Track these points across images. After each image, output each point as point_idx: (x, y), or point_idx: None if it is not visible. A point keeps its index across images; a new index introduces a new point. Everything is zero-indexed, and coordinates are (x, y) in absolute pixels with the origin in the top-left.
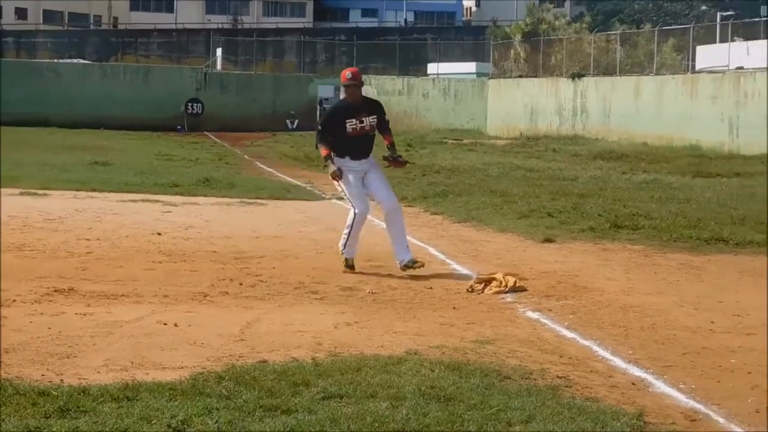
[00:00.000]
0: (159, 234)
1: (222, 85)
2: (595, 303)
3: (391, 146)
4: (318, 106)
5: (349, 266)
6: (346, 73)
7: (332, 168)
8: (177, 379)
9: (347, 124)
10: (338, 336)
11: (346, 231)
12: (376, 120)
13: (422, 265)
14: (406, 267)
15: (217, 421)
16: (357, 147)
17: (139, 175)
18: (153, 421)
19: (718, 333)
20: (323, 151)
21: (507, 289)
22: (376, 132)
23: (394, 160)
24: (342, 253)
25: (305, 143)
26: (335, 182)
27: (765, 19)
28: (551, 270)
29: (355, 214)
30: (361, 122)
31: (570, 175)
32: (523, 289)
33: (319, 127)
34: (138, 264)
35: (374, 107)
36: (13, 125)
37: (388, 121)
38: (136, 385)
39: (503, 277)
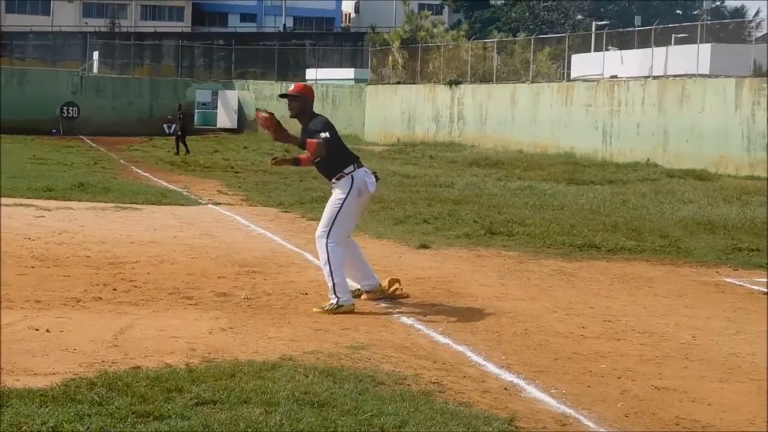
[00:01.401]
0: (29, 239)
1: (98, 88)
2: (469, 309)
3: (293, 159)
4: (196, 111)
5: (359, 296)
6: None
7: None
8: (48, 385)
9: None
10: (212, 342)
11: (330, 265)
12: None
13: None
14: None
15: (88, 428)
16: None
17: (12, 179)
18: (23, 428)
19: (589, 338)
20: (305, 162)
21: (383, 295)
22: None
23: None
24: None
25: (181, 148)
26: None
27: (639, 28)
28: (426, 276)
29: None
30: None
31: (446, 181)
32: (404, 296)
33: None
34: (10, 269)
35: (308, 128)
36: None
37: (322, 136)
38: (6, 392)
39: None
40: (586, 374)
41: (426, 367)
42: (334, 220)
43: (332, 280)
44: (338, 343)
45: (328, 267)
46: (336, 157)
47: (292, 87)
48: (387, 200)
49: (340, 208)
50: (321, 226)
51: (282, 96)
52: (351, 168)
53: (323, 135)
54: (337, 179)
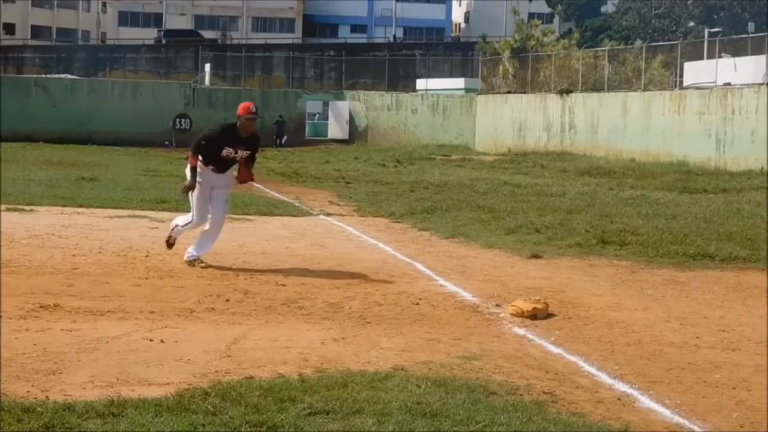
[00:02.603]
0: (147, 255)
1: (210, 100)
2: (581, 319)
3: (249, 165)
4: (307, 121)
5: (171, 245)
6: (250, 106)
7: (190, 183)
8: (163, 395)
9: (223, 150)
10: (325, 352)
11: (180, 224)
12: (248, 153)
13: (203, 265)
14: (189, 262)
15: None
16: (223, 165)
17: (127, 191)
18: None
19: (703, 348)
20: (191, 161)
21: (527, 315)
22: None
23: (246, 170)
24: (172, 232)
25: (294, 159)
26: (184, 192)
27: (752, 35)
28: (538, 286)
29: (190, 221)
30: (236, 153)
31: (557, 191)
32: (548, 315)
33: (202, 141)
34: (124, 280)
35: (254, 143)
36: None
37: (255, 159)
38: (122, 402)
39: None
40: (700, 384)
41: (538, 378)
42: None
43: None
44: (450, 353)
45: (212, 242)
46: None
47: (253, 109)
48: (498, 210)
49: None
50: (224, 215)
51: (251, 117)
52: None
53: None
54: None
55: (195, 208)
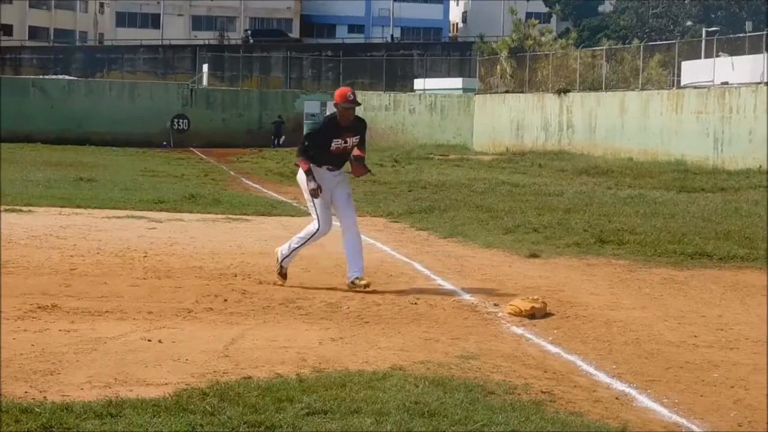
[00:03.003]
0: (145, 256)
1: (208, 101)
2: (579, 318)
3: (360, 158)
4: (305, 121)
5: (283, 275)
6: (347, 93)
7: (312, 185)
8: (161, 395)
9: (333, 143)
10: (323, 352)
11: (297, 241)
12: (358, 139)
13: (367, 285)
14: (351, 284)
15: None
16: (336, 161)
17: (124, 191)
18: None
19: (702, 347)
20: (304, 165)
21: (524, 314)
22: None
23: (359, 164)
24: (279, 261)
25: (292, 159)
26: (308, 197)
27: (749, 34)
28: (536, 285)
29: (317, 230)
30: (345, 142)
31: (555, 190)
32: (546, 315)
33: (306, 142)
34: (122, 280)
35: (361, 127)
36: None
37: (365, 141)
38: (120, 402)
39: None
40: (698, 383)
41: (536, 377)
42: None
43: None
44: (448, 352)
45: (361, 250)
46: None
47: (351, 97)
48: (496, 209)
49: None
50: (354, 215)
51: (350, 105)
52: None
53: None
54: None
55: (320, 215)
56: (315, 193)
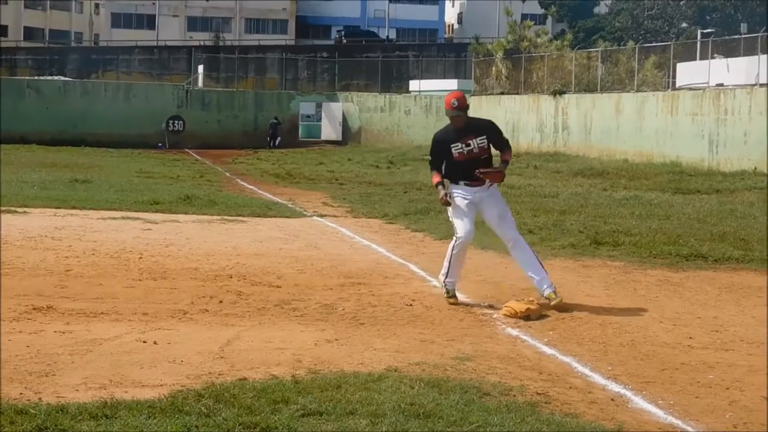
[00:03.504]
0: (140, 257)
1: (203, 102)
2: (575, 319)
3: (504, 163)
4: (300, 123)
5: (452, 297)
6: (452, 100)
7: (441, 193)
8: (156, 396)
9: (453, 150)
10: (318, 353)
11: (446, 258)
12: (485, 141)
13: (560, 301)
14: (549, 298)
15: None
16: (468, 172)
17: (120, 192)
18: None
19: (697, 349)
20: (433, 179)
21: (520, 315)
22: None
23: (488, 172)
24: (443, 284)
25: (287, 160)
26: (444, 206)
27: (744, 36)
28: (531, 287)
29: (456, 239)
30: (468, 145)
31: (551, 191)
32: (541, 316)
33: (430, 156)
34: (118, 282)
35: (481, 128)
36: None
37: (506, 139)
38: (115, 403)
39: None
40: (693, 385)
41: (532, 378)
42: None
43: (544, 268)
44: (444, 354)
45: (536, 260)
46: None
47: (455, 103)
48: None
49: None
50: (513, 228)
51: (452, 116)
52: None
53: (506, 138)
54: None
55: (455, 223)
56: (444, 202)
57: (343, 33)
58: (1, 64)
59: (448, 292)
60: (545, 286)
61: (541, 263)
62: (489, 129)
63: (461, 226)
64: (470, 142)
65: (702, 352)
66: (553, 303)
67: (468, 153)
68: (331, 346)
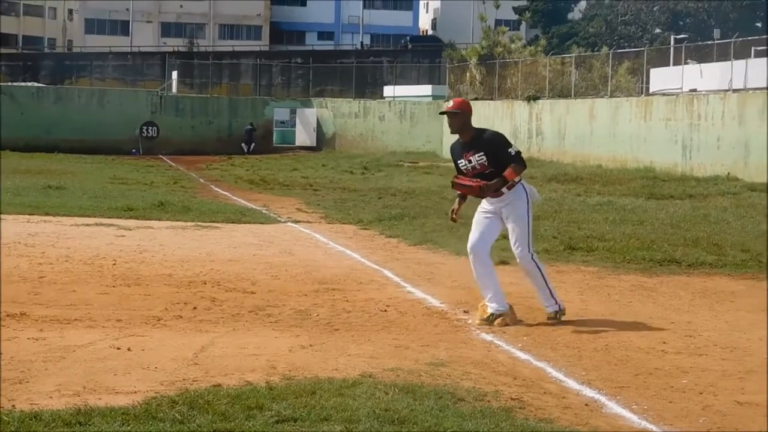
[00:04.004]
0: (114, 263)
1: (177, 108)
2: (549, 324)
3: (500, 179)
4: (274, 129)
5: (495, 320)
6: (448, 103)
7: (452, 207)
8: (130, 403)
9: (460, 166)
10: (293, 359)
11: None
12: (484, 158)
13: (563, 317)
14: (549, 317)
15: None
16: (480, 187)
17: (93, 199)
18: None
19: (670, 354)
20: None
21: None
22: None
23: (461, 185)
24: (491, 308)
25: (261, 166)
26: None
27: (718, 42)
28: (506, 292)
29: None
30: (469, 161)
31: None
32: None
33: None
34: (91, 288)
35: (482, 143)
36: None
37: (511, 154)
38: (89, 410)
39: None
40: (667, 390)
41: (506, 384)
42: (529, 231)
43: (548, 288)
44: (418, 359)
45: (542, 279)
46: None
47: (450, 104)
48: (466, 216)
49: (529, 218)
50: (520, 245)
51: (442, 113)
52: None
53: (514, 151)
54: (509, 188)
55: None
56: (450, 218)
57: (409, 39)
58: None
59: (491, 316)
60: (549, 307)
61: (550, 288)
62: (489, 144)
63: (468, 239)
64: (471, 158)
65: (676, 357)
66: (558, 317)
67: (472, 169)
68: (305, 352)
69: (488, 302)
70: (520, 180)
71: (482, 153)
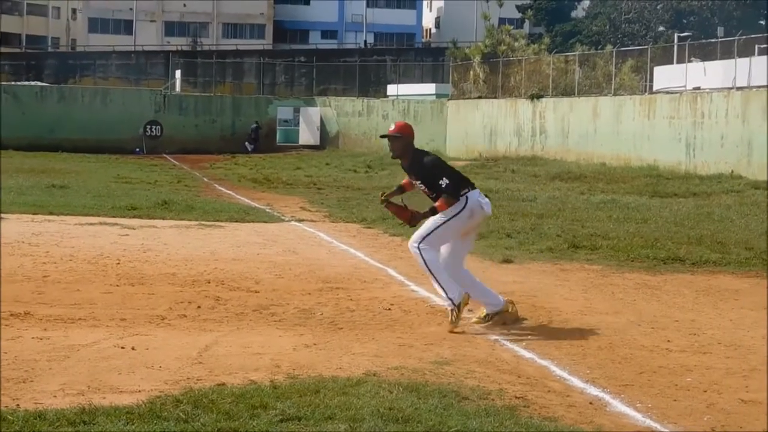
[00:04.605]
0: (118, 262)
1: (181, 107)
2: (553, 323)
3: (430, 211)
4: (278, 127)
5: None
6: (391, 125)
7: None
8: (134, 402)
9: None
10: (297, 358)
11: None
12: (423, 185)
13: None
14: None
15: None
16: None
17: (97, 198)
18: None
19: (675, 352)
20: None
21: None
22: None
23: (391, 205)
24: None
25: (265, 165)
26: None
27: (721, 39)
28: (510, 290)
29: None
30: (413, 185)
31: (528, 195)
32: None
33: None
34: (95, 287)
35: (419, 170)
36: None
37: (442, 186)
38: (93, 410)
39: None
40: (671, 388)
41: (510, 382)
42: (432, 232)
43: (438, 284)
44: (422, 358)
45: (428, 271)
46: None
47: (392, 127)
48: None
49: (443, 223)
50: (416, 234)
51: (382, 137)
52: (466, 190)
53: (445, 183)
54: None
55: None
56: (380, 198)
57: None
58: None
59: (487, 316)
60: (489, 308)
61: (440, 283)
62: (424, 172)
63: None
64: (414, 183)
65: (680, 356)
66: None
67: (422, 191)
68: (309, 351)
69: (484, 304)
70: (468, 191)
71: (420, 180)
